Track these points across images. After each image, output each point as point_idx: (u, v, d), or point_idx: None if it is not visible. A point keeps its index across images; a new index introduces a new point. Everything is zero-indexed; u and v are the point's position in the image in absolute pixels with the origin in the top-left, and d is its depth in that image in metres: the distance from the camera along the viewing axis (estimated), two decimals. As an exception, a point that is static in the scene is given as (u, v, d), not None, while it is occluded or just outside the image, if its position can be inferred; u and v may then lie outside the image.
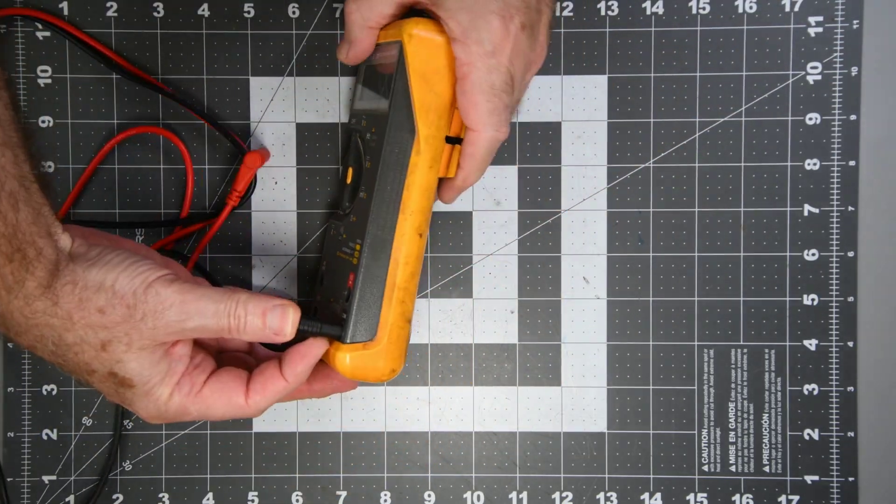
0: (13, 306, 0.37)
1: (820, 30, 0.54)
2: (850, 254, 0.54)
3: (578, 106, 0.54)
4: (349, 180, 0.48)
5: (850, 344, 0.54)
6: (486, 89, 0.42)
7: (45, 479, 0.54)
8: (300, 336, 0.43)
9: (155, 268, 0.40)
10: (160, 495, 0.54)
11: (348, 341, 0.44)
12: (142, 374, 0.40)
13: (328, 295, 0.49)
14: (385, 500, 0.55)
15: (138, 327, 0.39)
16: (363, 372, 0.45)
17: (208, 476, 0.54)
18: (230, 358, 0.47)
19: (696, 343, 0.54)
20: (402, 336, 0.45)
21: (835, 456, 0.54)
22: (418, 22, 0.44)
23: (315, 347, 0.44)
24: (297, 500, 0.55)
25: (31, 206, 0.37)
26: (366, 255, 0.45)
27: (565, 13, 0.54)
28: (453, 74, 0.44)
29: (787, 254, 0.54)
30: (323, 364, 0.47)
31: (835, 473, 0.54)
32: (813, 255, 0.54)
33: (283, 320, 0.42)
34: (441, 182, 0.47)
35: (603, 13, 0.54)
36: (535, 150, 0.54)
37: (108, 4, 0.53)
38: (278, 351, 0.45)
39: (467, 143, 0.45)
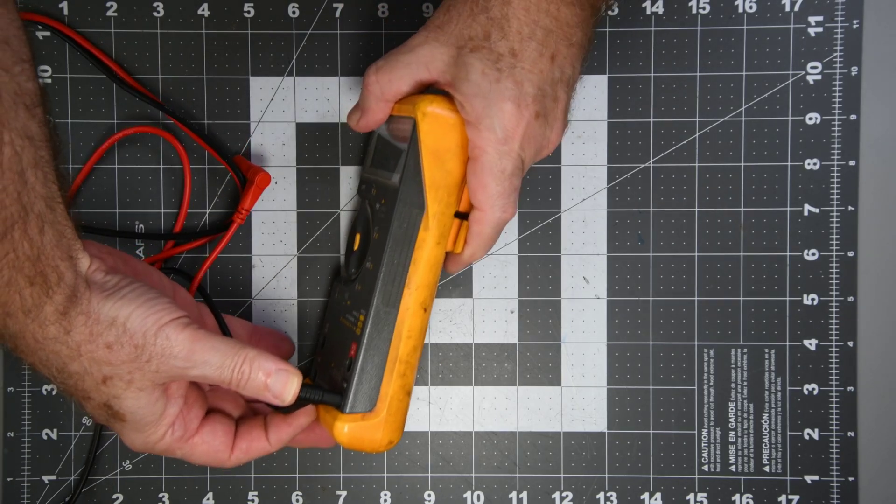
0: (27, 329, 0.37)
1: (820, 30, 0.54)
2: (850, 254, 0.54)
3: (578, 106, 0.54)
4: (356, 247, 0.48)
5: (850, 344, 0.54)
6: (496, 173, 0.42)
7: (45, 479, 0.54)
8: (299, 402, 0.43)
9: (169, 308, 0.40)
10: (160, 495, 0.54)
11: (347, 411, 0.44)
12: (136, 412, 0.40)
13: (328, 358, 0.49)
14: (385, 500, 0.55)
15: (142, 368, 0.39)
16: (360, 443, 0.44)
17: (208, 476, 0.54)
18: (218, 391, 0.47)
19: (696, 343, 0.54)
20: (400, 408, 0.45)
21: (835, 456, 0.54)
22: (433, 100, 0.43)
23: (302, 418, 0.45)
24: (297, 500, 0.55)
25: (56, 228, 0.37)
26: (369, 327, 0.44)
27: (565, 13, 0.54)
28: (465, 152, 0.44)
29: (787, 254, 0.54)
30: None
31: (835, 473, 0.54)
32: (813, 255, 0.54)
33: (285, 387, 0.42)
34: (447, 254, 0.47)
35: (603, 13, 0.54)
36: (535, 150, 0.54)
37: (108, 4, 0.53)
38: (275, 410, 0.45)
39: (474, 222, 0.45)
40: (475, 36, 0.42)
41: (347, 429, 0.44)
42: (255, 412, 0.47)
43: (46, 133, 0.37)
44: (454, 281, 0.54)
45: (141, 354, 0.38)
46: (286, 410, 0.44)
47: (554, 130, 0.44)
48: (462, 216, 0.45)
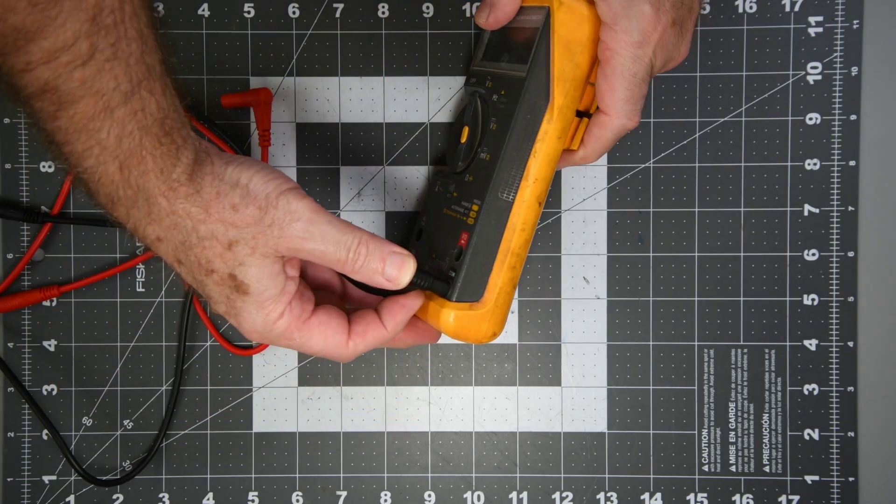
0: (159, 190, 0.37)
1: (820, 30, 0.54)
2: (850, 254, 0.54)
3: (578, 106, 0.54)
4: (464, 139, 0.48)
5: (850, 344, 0.54)
6: (627, 77, 0.42)
7: (45, 479, 0.54)
8: (408, 287, 0.43)
9: (286, 177, 0.40)
10: (160, 495, 0.54)
11: (455, 300, 0.44)
12: (260, 282, 0.39)
13: (428, 250, 0.48)
14: (385, 500, 0.55)
15: (265, 233, 0.38)
16: (465, 332, 0.44)
17: (208, 476, 0.54)
18: (318, 292, 0.46)
19: (696, 343, 0.54)
20: (507, 301, 0.45)
21: (835, 456, 0.54)
22: None
23: (415, 300, 0.43)
24: (297, 500, 0.55)
25: (173, 93, 0.37)
26: (483, 217, 0.44)
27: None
28: (595, 47, 0.44)
29: (787, 254, 0.54)
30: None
31: (835, 473, 0.54)
32: (813, 255, 0.54)
33: (401, 270, 0.41)
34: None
35: None
36: (535, 150, 0.54)
37: (108, 4, 0.53)
38: (374, 294, 0.44)
39: (596, 125, 0.44)
40: None
41: (454, 317, 0.44)
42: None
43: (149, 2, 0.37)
44: (454, 281, 0.54)
45: (264, 217, 0.38)
46: (390, 296, 0.44)
47: (685, 41, 0.44)
48: (581, 115, 0.45)
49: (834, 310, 0.54)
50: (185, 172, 0.37)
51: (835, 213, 0.54)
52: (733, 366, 0.54)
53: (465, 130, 0.48)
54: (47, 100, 0.34)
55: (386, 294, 0.44)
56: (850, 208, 0.54)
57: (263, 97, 0.52)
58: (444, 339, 0.54)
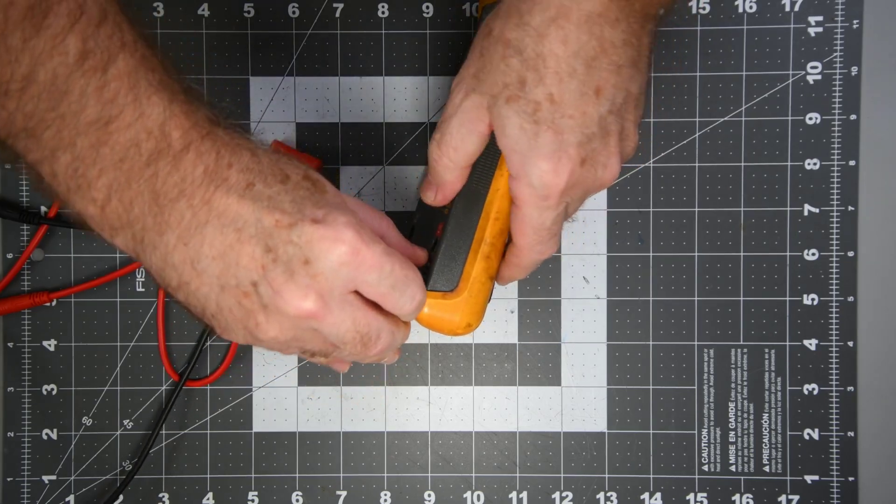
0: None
1: (820, 30, 0.54)
2: (850, 254, 0.54)
3: (578, 106, 0.54)
4: None
5: (850, 344, 0.54)
6: (536, 226, 0.42)
7: (45, 479, 0.54)
8: None
9: (358, 261, 0.37)
10: (160, 495, 0.54)
11: (428, 288, 0.44)
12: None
13: (415, 244, 0.49)
14: (385, 500, 0.55)
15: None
16: (439, 323, 0.44)
17: (208, 476, 0.54)
18: None
19: (696, 343, 0.54)
20: (482, 292, 0.45)
21: (835, 456, 0.54)
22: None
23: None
24: (297, 500, 0.55)
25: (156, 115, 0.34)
26: (457, 206, 0.45)
27: (565, 13, 0.54)
28: None
29: (787, 254, 0.54)
30: None
31: (835, 473, 0.54)
32: (813, 255, 0.54)
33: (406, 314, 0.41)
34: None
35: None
36: (535, 149, 0.54)
37: (108, 4, 0.53)
38: None
39: (511, 254, 0.45)
40: (510, 83, 0.39)
41: (427, 308, 0.44)
42: None
43: None
44: (454, 281, 0.54)
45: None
46: None
47: (608, 168, 0.41)
48: None
49: (834, 310, 0.54)
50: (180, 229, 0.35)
51: (835, 213, 0.54)
52: (733, 366, 0.54)
53: None
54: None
55: None
56: (849, 208, 0.54)
57: (313, 165, 0.52)
58: (444, 339, 0.54)
